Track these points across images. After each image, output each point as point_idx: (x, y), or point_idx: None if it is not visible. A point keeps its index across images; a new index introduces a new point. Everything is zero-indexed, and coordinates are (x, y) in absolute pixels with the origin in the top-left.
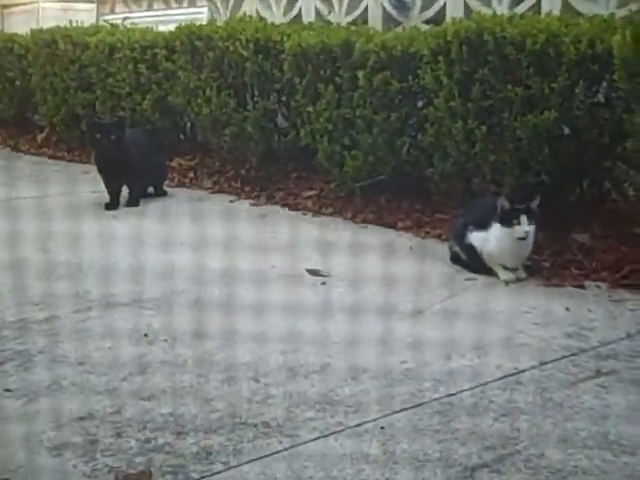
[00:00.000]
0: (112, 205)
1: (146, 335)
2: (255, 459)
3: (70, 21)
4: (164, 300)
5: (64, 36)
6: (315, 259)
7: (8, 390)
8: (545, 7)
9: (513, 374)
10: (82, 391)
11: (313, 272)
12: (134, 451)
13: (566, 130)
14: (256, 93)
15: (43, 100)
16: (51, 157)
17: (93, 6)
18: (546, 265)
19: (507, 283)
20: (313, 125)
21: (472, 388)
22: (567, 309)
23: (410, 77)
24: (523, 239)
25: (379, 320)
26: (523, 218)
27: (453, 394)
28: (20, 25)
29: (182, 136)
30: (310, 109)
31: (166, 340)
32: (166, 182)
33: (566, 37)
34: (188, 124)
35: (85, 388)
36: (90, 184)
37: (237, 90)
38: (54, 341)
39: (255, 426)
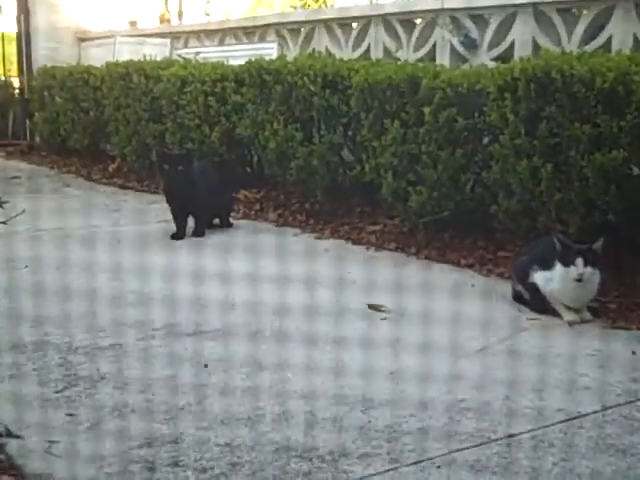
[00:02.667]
0: (178, 235)
1: (206, 366)
2: None
3: (144, 55)
4: (225, 331)
5: (138, 69)
6: (377, 294)
7: (70, 415)
8: (615, 45)
9: (575, 417)
10: (142, 418)
11: (375, 307)
12: None
13: (635, 170)
14: (322, 127)
15: (116, 131)
16: (121, 187)
17: (167, 41)
18: (612, 307)
19: (571, 324)
20: (378, 160)
21: (532, 430)
22: (633, 353)
23: (476, 114)
24: (579, 281)
25: (440, 357)
26: (579, 260)
27: (513, 435)
28: (96, 58)
29: (249, 169)
30: (375, 144)
31: (225, 371)
32: (232, 214)
33: (636, 75)
34: (255, 157)
35: (145, 415)
36: (158, 214)
37: (304, 124)
38: (117, 368)
39: (310, 460)
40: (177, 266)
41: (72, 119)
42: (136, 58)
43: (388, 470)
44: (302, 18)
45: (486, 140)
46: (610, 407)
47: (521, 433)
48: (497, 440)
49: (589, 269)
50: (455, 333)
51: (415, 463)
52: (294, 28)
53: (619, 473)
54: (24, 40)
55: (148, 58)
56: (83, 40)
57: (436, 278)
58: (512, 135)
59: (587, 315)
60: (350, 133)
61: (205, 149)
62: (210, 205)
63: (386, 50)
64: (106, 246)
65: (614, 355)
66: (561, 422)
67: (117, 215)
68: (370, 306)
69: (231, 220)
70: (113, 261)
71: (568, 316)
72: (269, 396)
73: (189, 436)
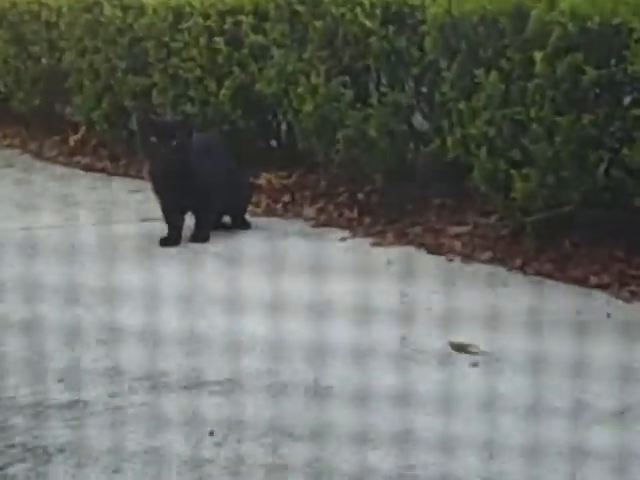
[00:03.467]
0: (171, 240)
1: (212, 433)
2: None
3: None
4: (237, 383)
5: None
6: (463, 329)
7: None
8: None
9: None
10: None
11: (460, 347)
12: None
13: None
14: (383, 82)
15: (79, 87)
16: (87, 168)
17: None
18: None
19: None
20: (466, 129)
21: None
22: None
23: (613, 61)
24: None
25: (561, 422)
26: None
27: None
28: None
29: (274, 142)
30: (463, 106)
31: (239, 441)
32: (249, 209)
33: None
34: (283, 125)
35: None
36: (140, 208)
37: (356, 77)
38: (80, 436)
39: None
40: (166, 287)
41: (15, 70)
42: None
43: None
44: None
45: (628, 100)
46: None
47: None
48: None
49: None
50: (584, 387)
51: None
52: None
53: None
54: None
55: None
56: None
57: (552, 304)
58: None
59: None
60: (425, 90)
61: (210, 114)
62: (218, 196)
63: None
64: (59, 256)
65: None
66: None
67: (79, 210)
68: (454, 345)
69: (247, 218)
70: (70, 279)
71: None
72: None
73: None
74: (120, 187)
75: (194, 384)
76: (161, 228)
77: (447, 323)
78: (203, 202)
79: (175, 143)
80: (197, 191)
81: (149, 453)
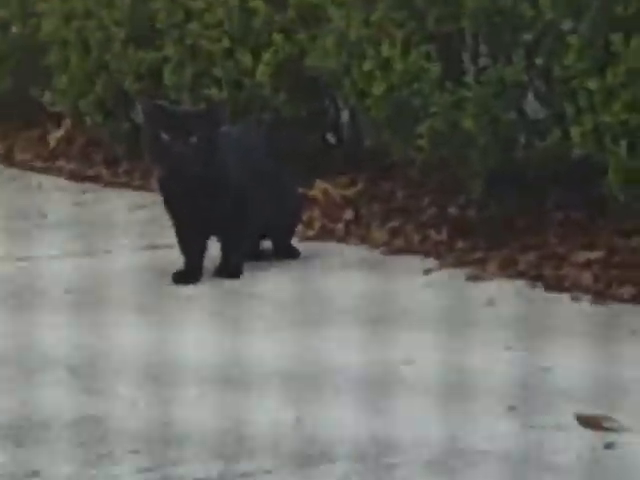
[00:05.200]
0: (190, 275)
1: None
2: None
3: None
4: None
5: None
6: (596, 400)
7: None
8: None
9: None
10: None
11: (591, 423)
12: None
13: None
14: (482, 52)
15: (63, 64)
16: (73, 176)
17: None
18: None
19: None
20: (599, 116)
21: None
22: None
23: None
24: None
25: None
26: None
27: None
28: None
29: (332, 137)
30: (593, 84)
31: None
32: (298, 230)
33: None
34: (344, 114)
35: None
36: (146, 231)
37: (445, 46)
38: None
39: None
40: (180, 347)
41: None
42: None
43: None
44: None
45: None
46: None
47: None
48: None
49: None
50: None
51: None
52: None
53: None
54: None
55: None
56: None
57: None
58: None
59: None
60: (540, 62)
61: (244, 98)
62: (255, 214)
63: None
64: (27, 305)
65: None
66: None
67: (58, 234)
68: (582, 420)
69: (295, 244)
70: (39, 338)
71: None
72: None
73: None
74: (119, 202)
75: None
76: (175, 259)
77: (573, 390)
78: (234, 223)
79: (196, 141)
80: (226, 207)
81: None
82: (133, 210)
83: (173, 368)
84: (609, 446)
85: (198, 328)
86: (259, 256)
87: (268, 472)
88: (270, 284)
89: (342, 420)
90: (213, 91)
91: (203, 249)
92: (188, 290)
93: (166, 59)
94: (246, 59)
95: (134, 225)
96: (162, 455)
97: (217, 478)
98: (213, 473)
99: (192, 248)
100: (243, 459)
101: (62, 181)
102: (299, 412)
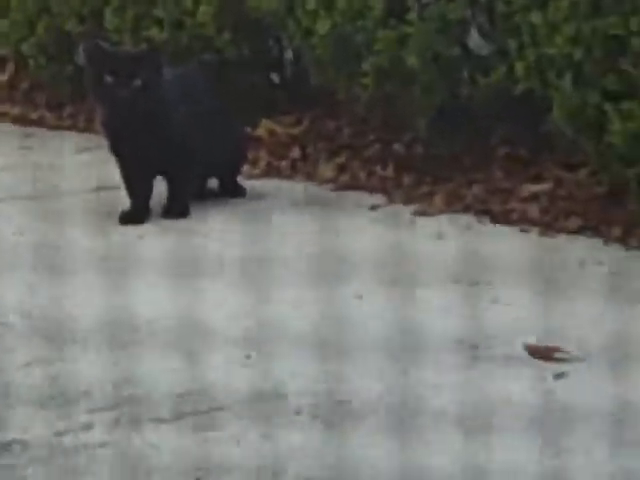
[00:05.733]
0: (136, 214)
1: None
2: None
3: None
4: (229, 409)
5: None
6: (542, 326)
7: None
8: None
9: None
10: None
11: (539, 351)
12: None
13: None
14: None
15: (4, 7)
16: (17, 120)
17: None
18: None
19: None
20: (542, 50)
21: None
22: None
23: None
24: None
25: None
26: None
27: None
28: None
29: (276, 77)
30: (536, 18)
31: None
32: (244, 169)
33: None
34: (288, 53)
35: None
36: (91, 173)
37: None
38: None
39: None
40: (127, 290)
41: None
42: None
43: None
44: None
45: None
46: None
47: None
48: None
49: None
50: None
51: None
52: None
53: None
54: None
55: None
56: None
57: None
58: None
59: None
60: None
61: (186, 40)
62: (200, 153)
63: None
64: None
65: None
66: None
67: (4, 177)
68: (532, 350)
69: (241, 181)
70: None
71: None
72: None
73: None
74: (64, 145)
75: (175, 416)
76: (119, 200)
77: (522, 318)
78: (179, 163)
79: (139, 82)
80: (170, 148)
81: None
82: (79, 152)
83: (128, 314)
84: (559, 376)
85: (150, 270)
86: (205, 195)
87: (220, 409)
88: (218, 223)
89: (296, 358)
90: (154, 32)
91: (149, 190)
92: (135, 230)
93: (107, 1)
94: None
95: (80, 167)
96: (117, 396)
97: (171, 417)
98: (166, 413)
99: (138, 189)
100: (198, 397)
101: (6, 125)
102: (249, 351)
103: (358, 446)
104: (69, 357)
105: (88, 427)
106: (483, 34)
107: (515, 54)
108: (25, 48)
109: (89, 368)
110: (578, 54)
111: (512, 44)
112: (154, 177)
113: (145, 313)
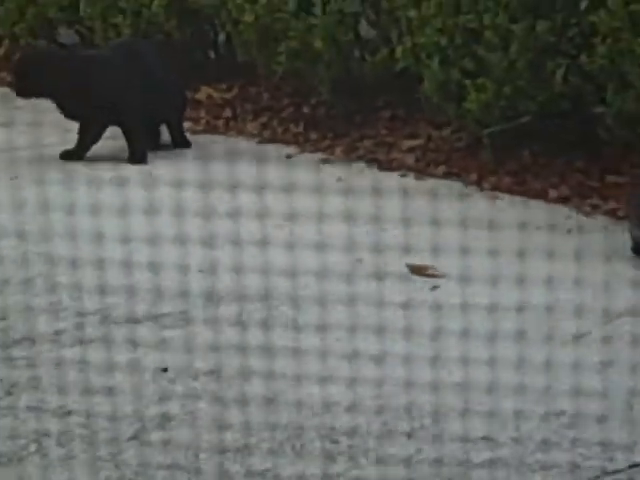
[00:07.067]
0: (75, 152)
1: (165, 370)
2: None
3: None
4: (191, 315)
5: None
6: (421, 250)
7: None
8: None
9: None
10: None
11: (418, 270)
12: None
13: None
14: None
15: None
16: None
17: None
18: None
19: None
20: (417, 38)
21: None
22: None
23: None
24: None
25: (519, 348)
26: None
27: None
28: None
29: (212, 53)
30: (413, 13)
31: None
32: (188, 126)
33: None
34: (221, 36)
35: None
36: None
37: None
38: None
39: None
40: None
41: None
42: None
43: None
44: None
45: (584, 4)
46: None
47: None
48: None
49: None
50: (545, 311)
51: None
52: None
53: None
54: None
55: None
56: None
57: (511, 220)
58: None
59: None
60: None
61: (144, 26)
62: (143, 104)
63: None
64: None
65: None
66: None
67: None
68: (412, 268)
69: (188, 136)
70: None
71: None
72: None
73: None
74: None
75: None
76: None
77: (404, 243)
78: (131, 109)
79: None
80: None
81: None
82: None
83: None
84: (434, 288)
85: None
86: (159, 147)
87: (183, 312)
88: (172, 167)
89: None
90: (119, 19)
91: (96, 131)
92: (106, 174)
93: None
94: None
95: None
96: (101, 301)
97: (142, 317)
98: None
99: (87, 134)
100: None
101: (3, 89)
102: (200, 266)
103: None
104: None
105: None
106: (371, 24)
107: (396, 40)
108: (17, 30)
109: None
110: (443, 42)
111: (393, 33)
112: (106, 127)
113: None
